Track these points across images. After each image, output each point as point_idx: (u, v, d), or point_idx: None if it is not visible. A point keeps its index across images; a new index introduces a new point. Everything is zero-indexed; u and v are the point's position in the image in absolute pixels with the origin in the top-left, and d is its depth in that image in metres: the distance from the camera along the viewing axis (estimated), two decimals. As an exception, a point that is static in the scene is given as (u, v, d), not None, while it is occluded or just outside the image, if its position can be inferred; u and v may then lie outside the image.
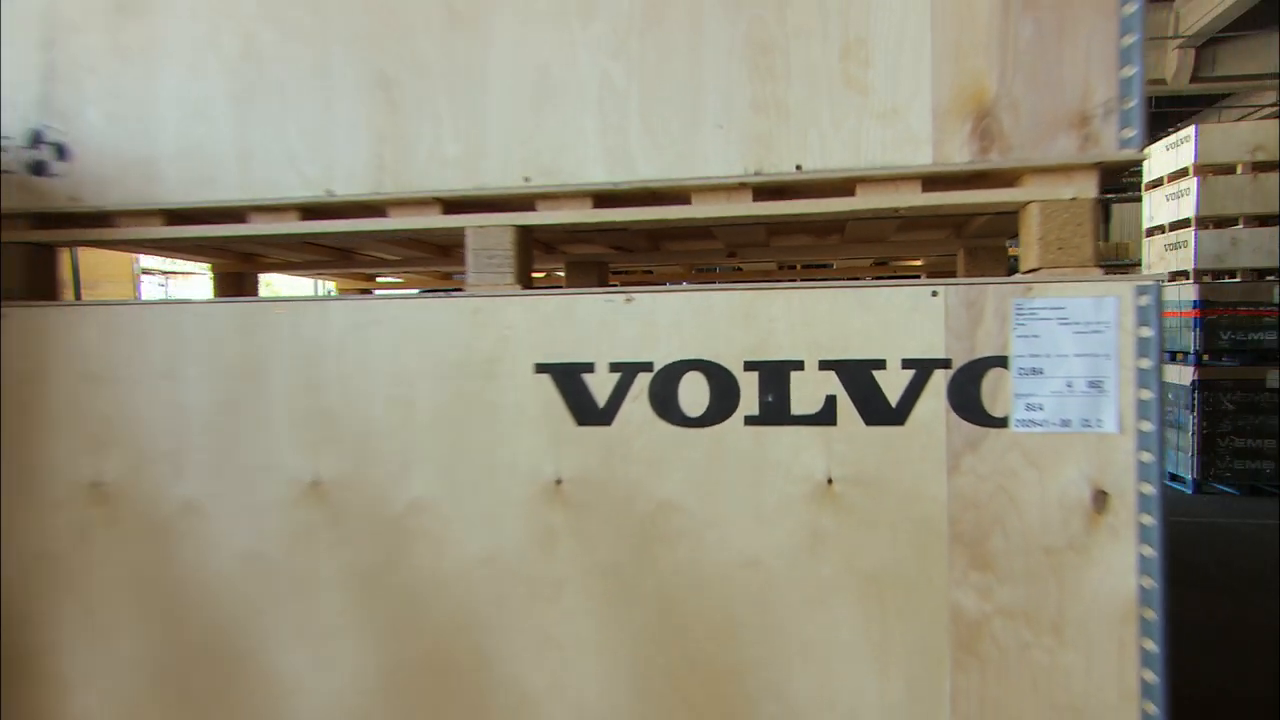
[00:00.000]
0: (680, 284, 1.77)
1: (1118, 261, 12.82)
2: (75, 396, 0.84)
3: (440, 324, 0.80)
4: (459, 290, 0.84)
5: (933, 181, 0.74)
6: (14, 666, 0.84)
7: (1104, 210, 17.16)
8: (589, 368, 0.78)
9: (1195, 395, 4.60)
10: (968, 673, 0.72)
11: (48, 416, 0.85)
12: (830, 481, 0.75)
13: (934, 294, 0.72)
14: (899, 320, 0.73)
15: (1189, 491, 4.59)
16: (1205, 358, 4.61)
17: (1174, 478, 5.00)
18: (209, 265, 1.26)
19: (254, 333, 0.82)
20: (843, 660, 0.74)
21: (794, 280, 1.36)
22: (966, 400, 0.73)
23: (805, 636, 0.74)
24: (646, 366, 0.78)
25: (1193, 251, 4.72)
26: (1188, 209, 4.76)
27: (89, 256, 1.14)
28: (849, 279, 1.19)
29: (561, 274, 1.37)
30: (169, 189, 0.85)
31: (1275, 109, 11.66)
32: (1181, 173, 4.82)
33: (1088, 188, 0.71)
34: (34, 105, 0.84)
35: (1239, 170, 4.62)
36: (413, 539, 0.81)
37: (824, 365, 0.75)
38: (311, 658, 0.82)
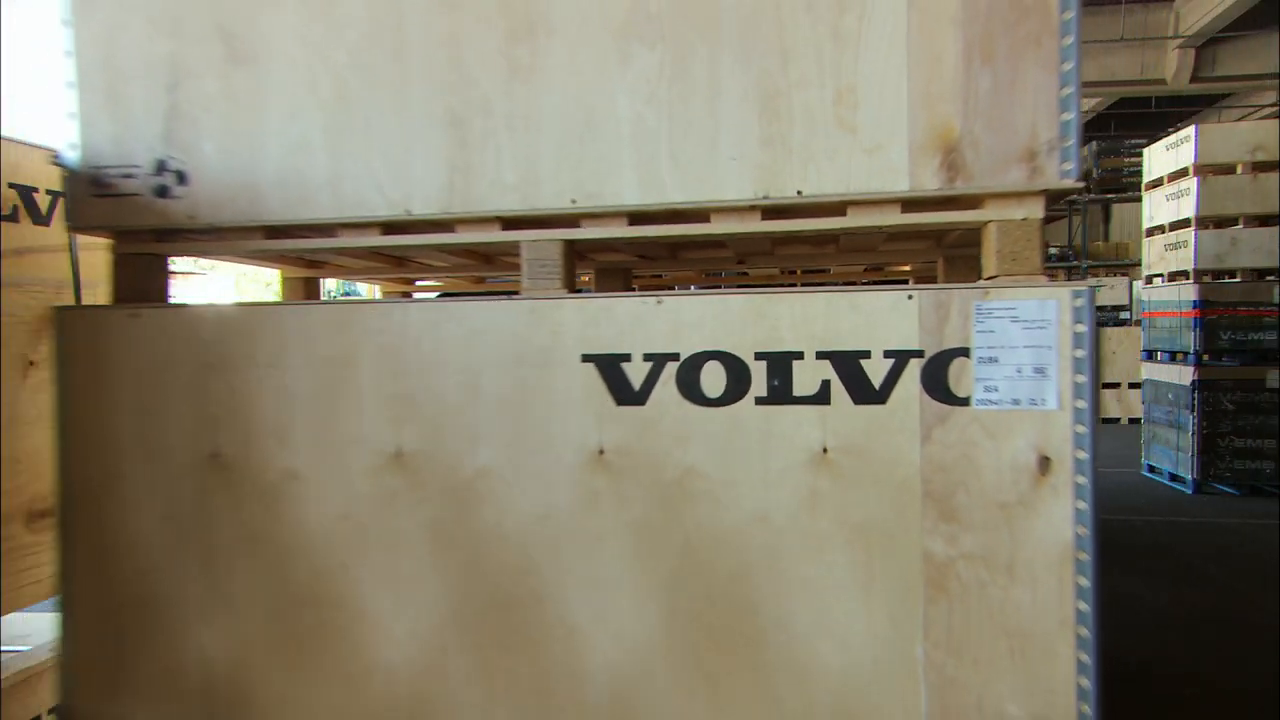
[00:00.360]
0: (689, 287, 1.97)
1: (1118, 261, 12.77)
2: (196, 382, 1.02)
3: (502, 322, 0.98)
4: (515, 294, 1.01)
5: (910, 204, 0.91)
6: (141, 610, 1.03)
7: (1104, 210, 17.10)
8: (626, 358, 0.96)
9: (1195, 395, 4.59)
10: (937, 605, 0.89)
11: (174, 399, 1.03)
12: (825, 450, 0.93)
13: (909, 297, 0.89)
14: (881, 319, 0.90)
15: (1189, 492, 4.59)
16: (1205, 358, 4.61)
17: (1174, 478, 4.87)
18: (280, 271, 1.45)
19: (347, 329, 1.00)
20: (836, 597, 0.92)
21: (795, 284, 1.60)
22: (936, 384, 0.90)
23: (805, 577, 0.92)
24: (674, 357, 0.95)
25: (1193, 251, 4.71)
26: (1188, 209, 4.76)
27: (88, 257, 1.24)
28: (844, 283, 1.44)
29: (586, 277, 1.58)
30: (271, 209, 1.02)
31: (1275, 109, 11.61)
32: (1181, 173, 4.83)
33: (1036, 210, 0.89)
34: (159, 139, 1.03)
35: (1239, 170, 4.63)
36: (480, 500, 0.99)
37: (820, 355, 0.92)
38: (394, 599, 1.00)
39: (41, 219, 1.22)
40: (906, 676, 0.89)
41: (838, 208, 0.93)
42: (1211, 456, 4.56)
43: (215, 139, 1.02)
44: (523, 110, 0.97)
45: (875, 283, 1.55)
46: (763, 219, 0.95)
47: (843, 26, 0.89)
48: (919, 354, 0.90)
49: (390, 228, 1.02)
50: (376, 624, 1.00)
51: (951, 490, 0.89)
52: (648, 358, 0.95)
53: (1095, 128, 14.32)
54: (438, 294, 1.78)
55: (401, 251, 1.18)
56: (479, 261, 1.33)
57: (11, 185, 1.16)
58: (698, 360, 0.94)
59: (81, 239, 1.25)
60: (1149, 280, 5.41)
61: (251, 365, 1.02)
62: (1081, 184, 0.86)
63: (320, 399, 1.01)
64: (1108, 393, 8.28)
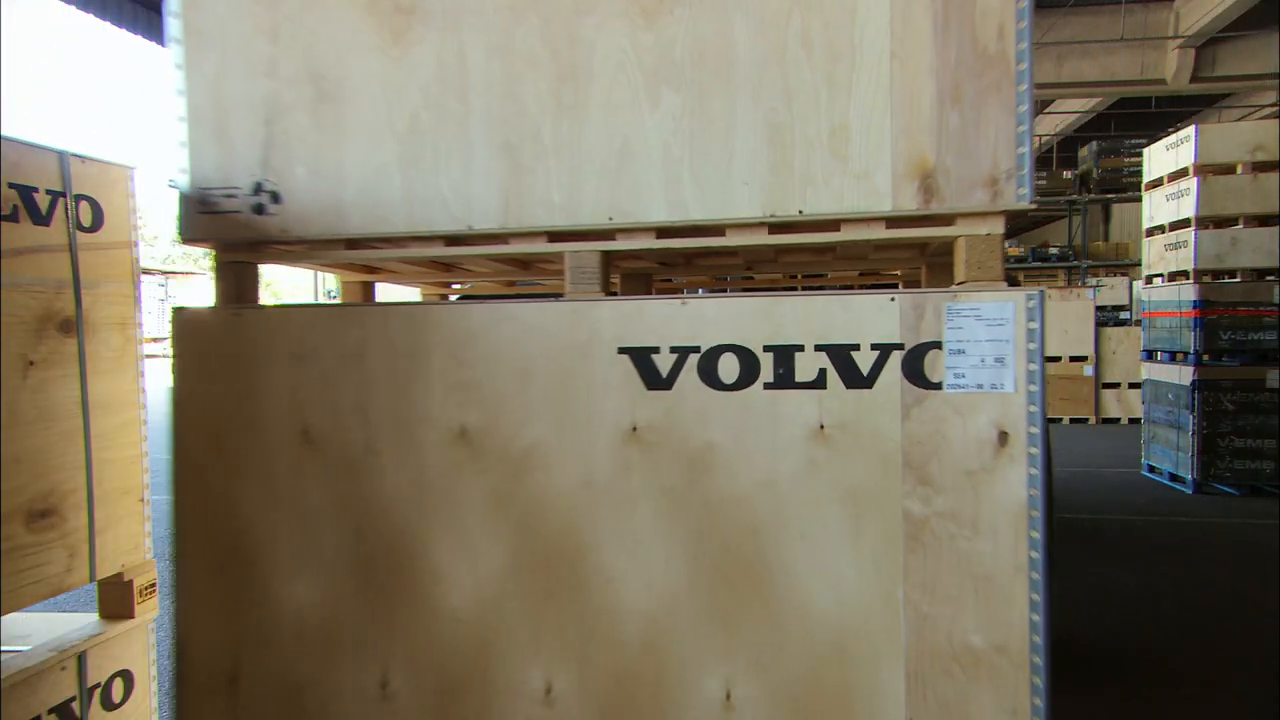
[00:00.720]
0: (697, 291, 2.16)
1: (1118, 262, 12.77)
2: (288, 370, 1.20)
3: (550, 321, 1.14)
4: (561, 295, 1.18)
5: (892, 222, 1.08)
6: (241, 562, 1.20)
7: (1104, 210, 17.03)
8: (655, 350, 1.12)
9: (1195, 395, 4.58)
10: (915, 555, 1.06)
11: (269, 384, 1.20)
12: (822, 427, 1.09)
13: (892, 299, 1.06)
14: (868, 317, 1.07)
15: (1189, 492, 4.59)
16: (1205, 358, 4.60)
17: (1174, 478, 4.84)
18: (337, 275, 1.63)
19: (419, 328, 1.16)
20: (830, 548, 1.08)
21: (796, 287, 1.79)
22: (914, 371, 1.07)
23: (805, 532, 1.09)
24: (695, 349, 1.12)
25: (1193, 251, 4.69)
26: (1188, 209, 4.74)
27: (88, 257, 1.25)
28: (840, 287, 1.64)
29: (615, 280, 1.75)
30: (352, 224, 1.18)
31: (1275, 109, 11.60)
32: (1181, 173, 4.81)
33: (997, 227, 1.07)
34: (257, 164, 1.20)
35: (1239, 170, 4.62)
36: (531, 470, 1.15)
37: (818, 348, 1.08)
38: (459, 554, 1.16)
39: (41, 219, 1.18)
40: (889, 613, 1.06)
41: (832, 224, 1.10)
42: (1211, 456, 4.56)
43: (306, 164, 1.18)
44: (568, 141, 1.13)
45: (867, 286, 1.72)
46: (769, 233, 1.11)
47: (836, 74, 1.06)
48: (900, 346, 1.06)
49: (453, 240, 1.19)
50: (444, 575, 1.16)
51: (926, 459, 1.05)
52: (673, 350, 1.11)
53: (1095, 128, 14.32)
54: (458, 295, 1.97)
55: (454, 260, 1.37)
56: (518, 268, 1.52)
57: (11, 185, 1.14)
58: (715, 352, 1.11)
59: (83, 237, 1.30)
60: (1149, 280, 5.36)
61: (336, 356, 1.18)
62: (1033, 205, 1.04)
63: (396, 385, 1.17)
64: (1108, 393, 8.33)
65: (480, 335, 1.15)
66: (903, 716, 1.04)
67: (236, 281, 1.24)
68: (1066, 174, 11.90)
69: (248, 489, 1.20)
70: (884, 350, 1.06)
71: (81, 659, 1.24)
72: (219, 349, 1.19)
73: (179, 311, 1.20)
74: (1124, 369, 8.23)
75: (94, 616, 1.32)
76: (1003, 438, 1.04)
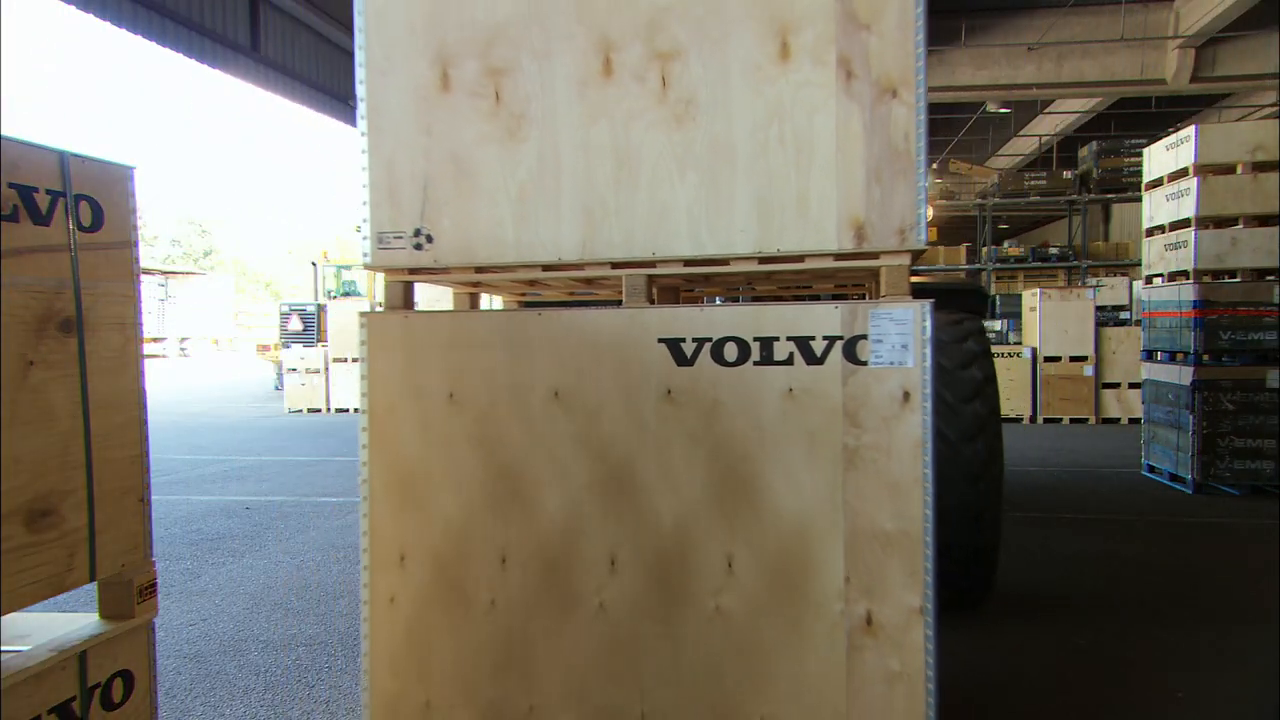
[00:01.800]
0: (714, 300, 2.83)
1: (1118, 262, 12.76)
2: (439, 354, 1.66)
3: (614, 321, 1.60)
4: (617, 303, 1.65)
5: (838, 256, 1.55)
6: (410, 484, 1.68)
7: (1104, 210, 17.00)
8: (683, 340, 1.58)
9: (1195, 395, 4.57)
10: (850, 472, 1.52)
11: (428, 363, 1.67)
12: (790, 390, 1.54)
13: (835, 308, 1.51)
14: (820, 319, 1.52)
15: (1189, 492, 4.59)
16: (1205, 358, 4.59)
17: (1174, 478, 4.82)
18: (453, 290, 2.05)
19: (528, 326, 1.64)
20: (796, 468, 1.53)
21: (783, 297, 2.39)
22: (850, 354, 1.52)
23: (779, 458, 1.54)
24: (709, 339, 1.57)
25: (1193, 251, 4.68)
26: (1188, 209, 4.73)
27: (88, 257, 1.25)
28: (810, 298, 2.25)
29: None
30: (479, 257, 1.65)
31: (1275, 109, 11.60)
32: (1181, 173, 4.80)
33: (905, 260, 1.52)
34: (417, 217, 1.68)
35: (1239, 170, 4.60)
36: (602, 420, 1.60)
37: (788, 339, 1.54)
38: (554, 475, 1.62)
39: (41, 219, 1.17)
40: (833, 509, 1.52)
41: (799, 258, 1.57)
42: (1211, 456, 4.54)
43: (449, 218, 1.66)
44: (625, 205, 1.60)
45: (822, 297, 2.29)
46: (759, 264, 1.59)
47: (800, 162, 1.52)
48: (841, 338, 1.51)
49: (547, 267, 1.66)
50: (545, 489, 1.63)
51: (857, 410, 1.51)
52: (694, 340, 1.57)
53: (1095, 128, 14.33)
54: (528, 302, 2.52)
55: (546, 280, 1.81)
56: (583, 285, 1.99)
57: (11, 185, 1.13)
58: (722, 341, 1.57)
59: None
60: (1149, 280, 5.37)
61: (471, 344, 1.65)
62: (926, 247, 1.49)
63: (512, 364, 1.64)
64: (1108, 393, 8.32)
65: (569, 332, 1.62)
66: (841, 574, 1.52)
67: (403, 294, 1.73)
68: (1066, 174, 11.91)
69: (413, 432, 1.68)
70: (830, 340, 1.53)
71: (82, 659, 1.24)
72: (393, 340, 1.68)
73: (367, 315, 1.71)
74: (1124, 369, 8.22)
75: (94, 616, 1.32)
76: (906, 396, 1.49)
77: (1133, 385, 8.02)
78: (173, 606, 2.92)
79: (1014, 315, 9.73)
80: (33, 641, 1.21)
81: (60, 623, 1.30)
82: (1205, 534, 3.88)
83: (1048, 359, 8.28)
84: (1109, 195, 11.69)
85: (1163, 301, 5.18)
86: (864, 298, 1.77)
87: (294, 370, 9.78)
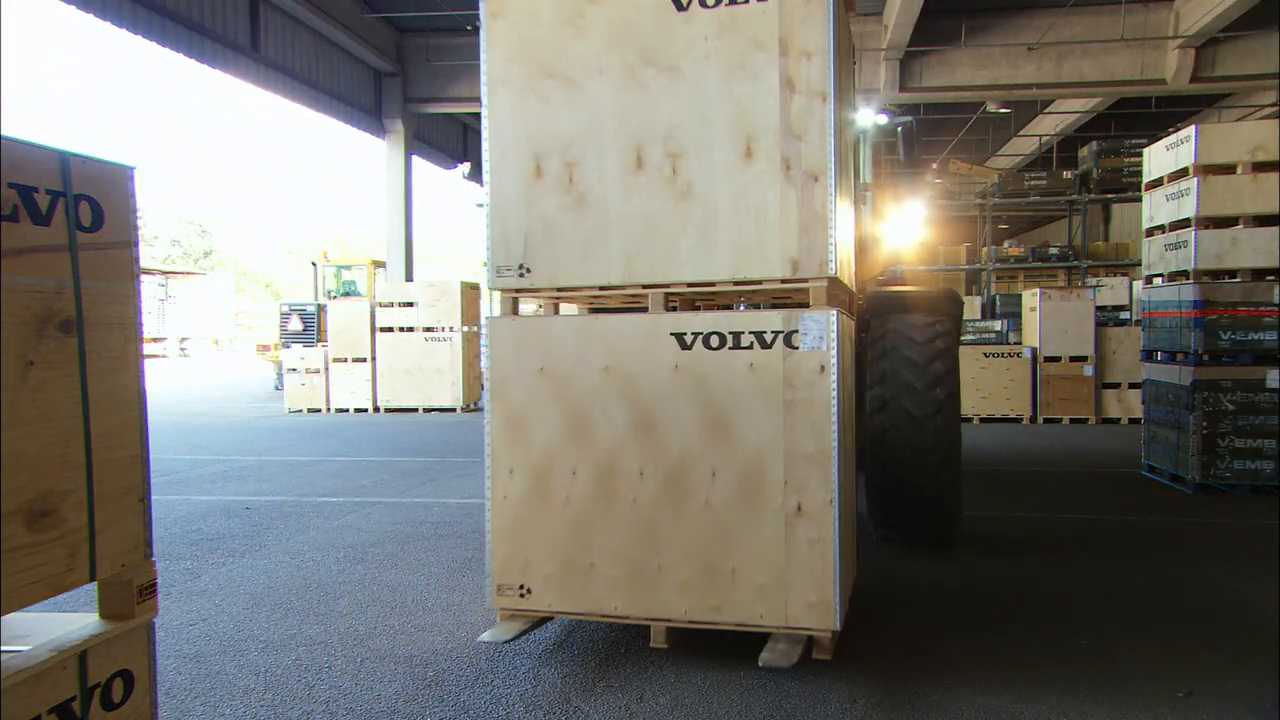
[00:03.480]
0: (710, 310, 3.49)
1: (1118, 262, 12.74)
2: (537, 344, 2.45)
3: (644, 322, 2.40)
4: (644, 310, 2.43)
5: (782, 281, 2.32)
6: (515, 428, 2.48)
7: (1104, 210, 16.97)
8: (685, 333, 2.36)
9: (1195, 395, 4.53)
10: (787, 416, 2.27)
11: (528, 350, 2.46)
12: (751, 365, 2.30)
13: (779, 314, 2.29)
14: (770, 319, 2.30)
15: (1189, 492, 4.56)
16: (1205, 358, 4.55)
17: (1175, 478, 4.79)
18: (538, 302, 2.71)
19: (589, 325, 2.46)
20: (754, 415, 2.30)
21: (760, 305, 3.03)
22: (788, 341, 2.27)
23: (744, 408, 2.30)
24: (700, 333, 2.34)
25: (1193, 251, 4.65)
26: (1188, 209, 4.69)
27: (88, 257, 1.26)
28: (770, 307, 2.94)
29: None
30: (559, 281, 2.46)
31: (1275, 109, 11.59)
32: (1181, 173, 4.76)
33: (823, 284, 2.29)
34: (520, 256, 2.48)
35: (1239, 170, 4.55)
36: (635, 382, 2.38)
37: (750, 332, 2.30)
38: (604, 419, 2.41)
39: (41, 219, 1.17)
40: (777, 440, 2.27)
41: (758, 282, 2.35)
42: (1211, 457, 4.51)
43: (541, 257, 2.47)
44: (650, 250, 2.40)
45: (776, 306, 2.94)
46: (734, 286, 2.37)
47: (759, 222, 2.31)
48: (782, 331, 2.27)
49: (601, 288, 2.46)
50: (599, 428, 2.41)
51: (792, 377, 2.26)
52: (693, 333, 2.35)
53: (1095, 128, 14.33)
54: (589, 309, 3.14)
55: (603, 296, 2.58)
56: (624, 299, 2.66)
57: (11, 185, 1.12)
58: (710, 334, 2.34)
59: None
60: (1149, 280, 5.32)
61: (554, 337, 2.45)
62: (835, 275, 2.28)
63: (577, 349, 2.43)
64: (1108, 393, 8.31)
65: (615, 327, 2.43)
66: (782, 480, 2.27)
67: (511, 305, 2.57)
68: (1066, 174, 11.90)
69: (517, 392, 2.47)
70: (776, 333, 2.28)
71: (82, 659, 1.23)
72: (505, 334, 2.50)
73: (490, 318, 2.53)
74: (1124, 369, 8.21)
75: (94, 616, 1.32)
76: (822, 368, 2.25)
77: (1133, 385, 8.01)
78: (173, 606, 2.92)
79: (1014, 315, 9.72)
80: (33, 641, 1.21)
81: (60, 623, 1.30)
82: (1206, 534, 3.87)
83: (1048, 359, 8.27)
84: (1109, 195, 11.68)
85: (1163, 301, 5.16)
86: (802, 307, 2.33)
87: (294, 370, 9.78)
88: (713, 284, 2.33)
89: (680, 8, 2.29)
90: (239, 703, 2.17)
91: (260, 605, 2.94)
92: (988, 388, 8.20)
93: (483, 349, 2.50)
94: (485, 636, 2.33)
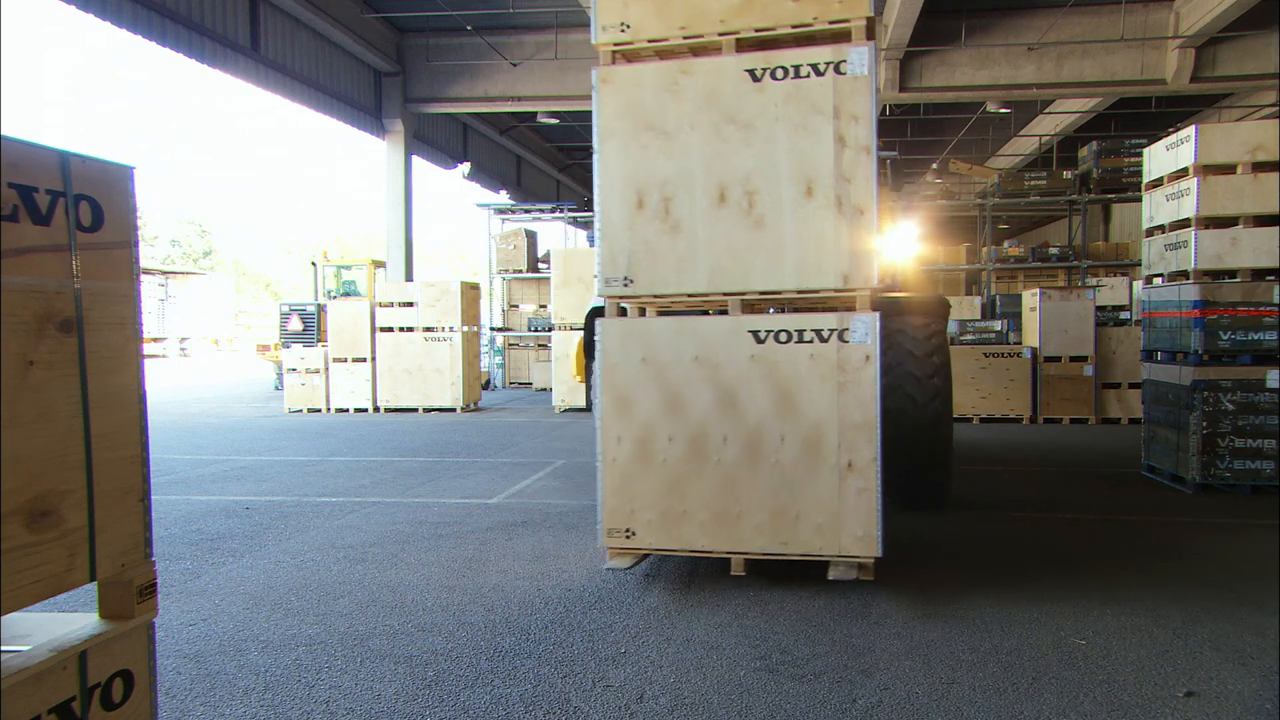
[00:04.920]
0: (776, 310, 3.81)
1: (1118, 262, 12.72)
2: (639, 340, 3.06)
3: (725, 323, 3.00)
4: (725, 313, 3.02)
5: (835, 291, 2.93)
6: (624, 405, 3.08)
7: (1104, 210, 16.95)
8: (759, 330, 2.96)
9: (1195, 395, 4.52)
10: (840, 394, 2.88)
11: (632, 344, 3.07)
12: (812, 355, 2.91)
13: (834, 315, 2.91)
14: (828, 320, 2.92)
15: (1189, 492, 4.56)
16: (1205, 358, 4.53)
17: (1175, 478, 4.78)
18: (646, 307, 3.28)
19: (681, 324, 3.04)
20: (814, 392, 2.90)
21: (814, 309, 3.38)
22: (841, 337, 2.88)
23: (806, 387, 2.91)
24: (773, 330, 2.95)
25: (1193, 251, 4.63)
26: (1188, 209, 4.68)
27: (88, 257, 1.25)
28: (825, 310, 3.26)
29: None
30: (657, 291, 3.05)
31: (1275, 109, 11.59)
32: (1181, 173, 4.75)
33: (867, 293, 2.89)
34: (624, 270, 3.06)
35: (1239, 170, 4.54)
36: (718, 369, 2.97)
37: (811, 330, 2.92)
38: (693, 397, 3.00)
39: (41, 219, 1.16)
40: (831, 413, 2.87)
41: (817, 292, 2.94)
42: (1212, 456, 4.50)
43: (642, 272, 3.04)
44: (730, 267, 2.96)
45: (831, 310, 3.34)
46: (797, 294, 2.97)
47: (818, 247, 2.91)
48: (836, 330, 2.88)
49: (691, 296, 3.03)
50: (690, 404, 2.99)
51: (844, 364, 2.86)
52: (766, 331, 2.94)
53: (1095, 128, 14.32)
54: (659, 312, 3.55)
55: (692, 303, 3.15)
56: (711, 305, 3.21)
57: (11, 185, 1.12)
58: (779, 331, 2.93)
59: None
60: (1149, 280, 5.29)
61: (654, 334, 3.04)
62: (876, 288, 2.92)
63: (673, 343, 3.01)
64: (1108, 393, 8.31)
65: (703, 326, 3.02)
66: (836, 443, 2.87)
67: (617, 309, 3.13)
68: (1066, 174, 11.90)
69: (624, 376, 3.05)
70: (831, 331, 2.88)
71: (82, 659, 1.23)
72: (614, 332, 3.07)
73: (603, 320, 3.08)
74: (1124, 369, 8.20)
75: (94, 616, 1.31)
76: (867, 358, 2.85)
77: (1133, 385, 8.00)
78: (172, 606, 2.92)
79: (1014, 315, 9.72)
80: (33, 641, 1.21)
81: (60, 623, 1.29)
82: (1206, 534, 3.87)
83: (1048, 359, 8.27)
84: (1109, 195, 11.67)
85: (1163, 301, 5.14)
86: (849, 310, 2.95)
87: (294, 370, 9.78)
88: (780, 293, 2.95)
89: (755, 79, 2.89)
90: (239, 703, 2.17)
91: (260, 605, 2.94)
92: (988, 388, 8.19)
93: (596, 343, 3.06)
94: (609, 564, 3.03)
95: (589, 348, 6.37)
